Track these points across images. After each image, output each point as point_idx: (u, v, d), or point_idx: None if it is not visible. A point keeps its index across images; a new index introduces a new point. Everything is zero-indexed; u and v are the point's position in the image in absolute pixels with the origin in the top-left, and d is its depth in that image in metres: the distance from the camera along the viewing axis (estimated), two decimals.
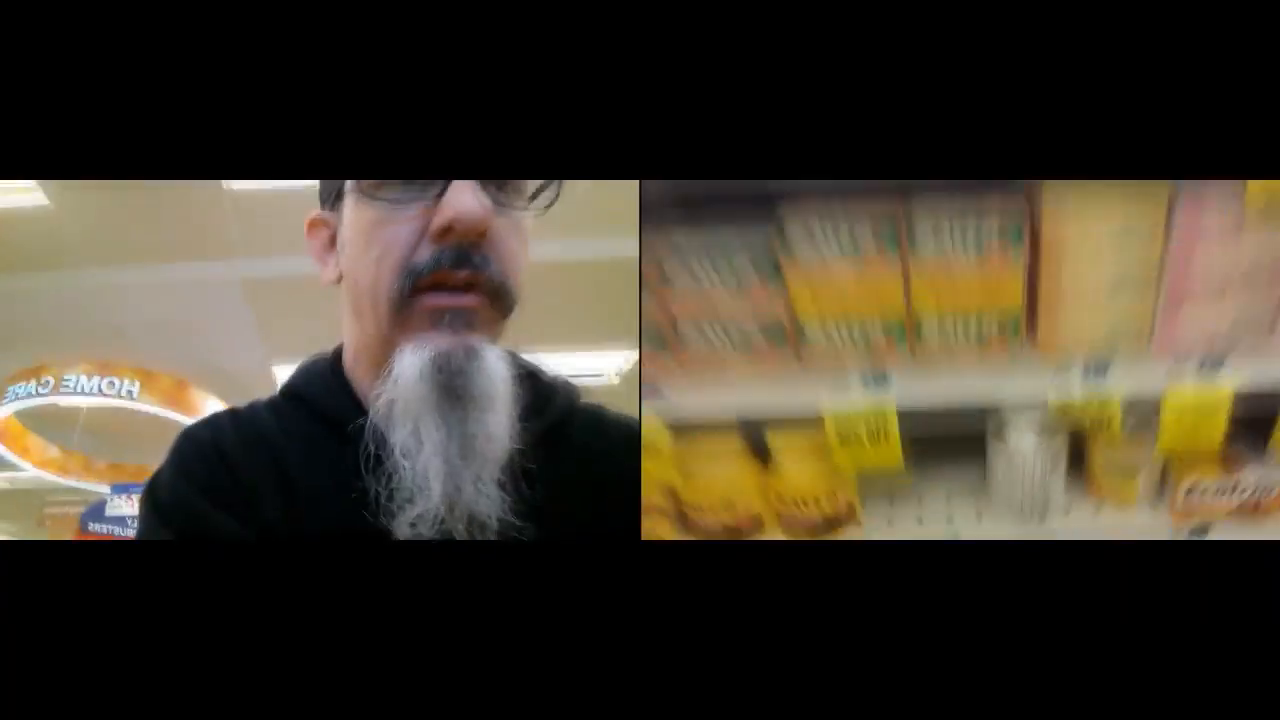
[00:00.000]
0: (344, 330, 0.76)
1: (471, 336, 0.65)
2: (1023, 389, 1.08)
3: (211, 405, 5.79)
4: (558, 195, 0.70)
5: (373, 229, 0.67)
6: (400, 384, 0.64)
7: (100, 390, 5.38)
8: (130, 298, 4.89)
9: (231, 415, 0.74)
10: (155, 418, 5.61)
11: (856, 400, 1.09)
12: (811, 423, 1.14)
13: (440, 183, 0.65)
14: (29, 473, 6.20)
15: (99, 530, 3.97)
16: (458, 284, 0.65)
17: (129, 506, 3.98)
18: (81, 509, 5.16)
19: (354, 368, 0.74)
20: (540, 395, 0.73)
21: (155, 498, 0.68)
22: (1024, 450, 1.21)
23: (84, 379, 5.41)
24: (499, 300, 0.67)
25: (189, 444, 0.71)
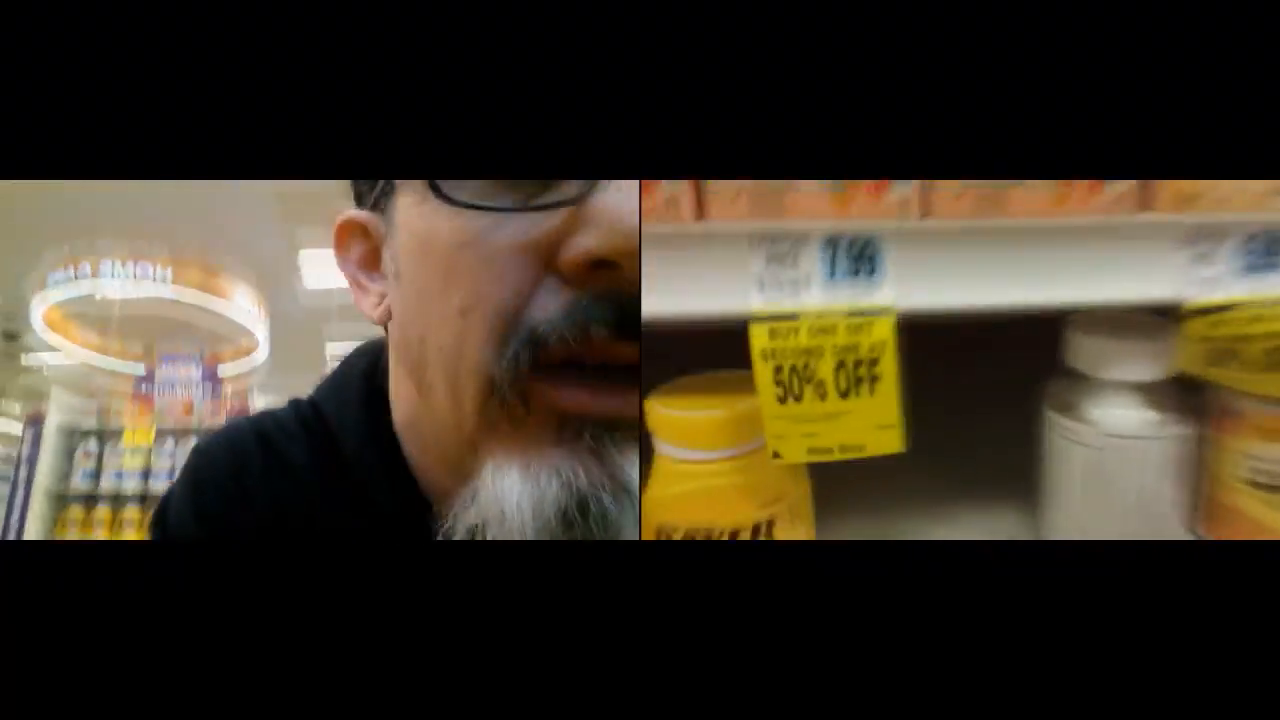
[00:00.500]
0: (394, 378, 0.51)
1: (625, 458, 0.40)
2: (1129, 283, 0.57)
3: (241, 292, 5.76)
4: None
5: (454, 255, 0.39)
6: (498, 514, 0.39)
7: (135, 276, 5.57)
8: (162, 191, 4.98)
9: (258, 437, 0.54)
10: (184, 312, 5.69)
11: (815, 302, 0.58)
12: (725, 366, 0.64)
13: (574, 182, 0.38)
14: (72, 359, 6.46)
15: (149, 391, 4.21)
16: (613, 362, 0.38)
17: (175, 372, 4.28)
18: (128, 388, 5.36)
19: (407, 432, 0.50)
20: None
21: (165, 529, 0.54)
22: (1123, 436, 0.64)
23: (119, 265, 5.56)
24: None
25: (207, 468, 0.54)
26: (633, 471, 0.41)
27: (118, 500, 3.72)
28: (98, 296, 5.60)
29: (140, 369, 6.00)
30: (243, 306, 5.92)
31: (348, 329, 6.99)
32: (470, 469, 0.42)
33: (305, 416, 0.55)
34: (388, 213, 0.46)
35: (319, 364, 7.58)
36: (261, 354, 6.63)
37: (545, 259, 0.39)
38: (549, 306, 0.39)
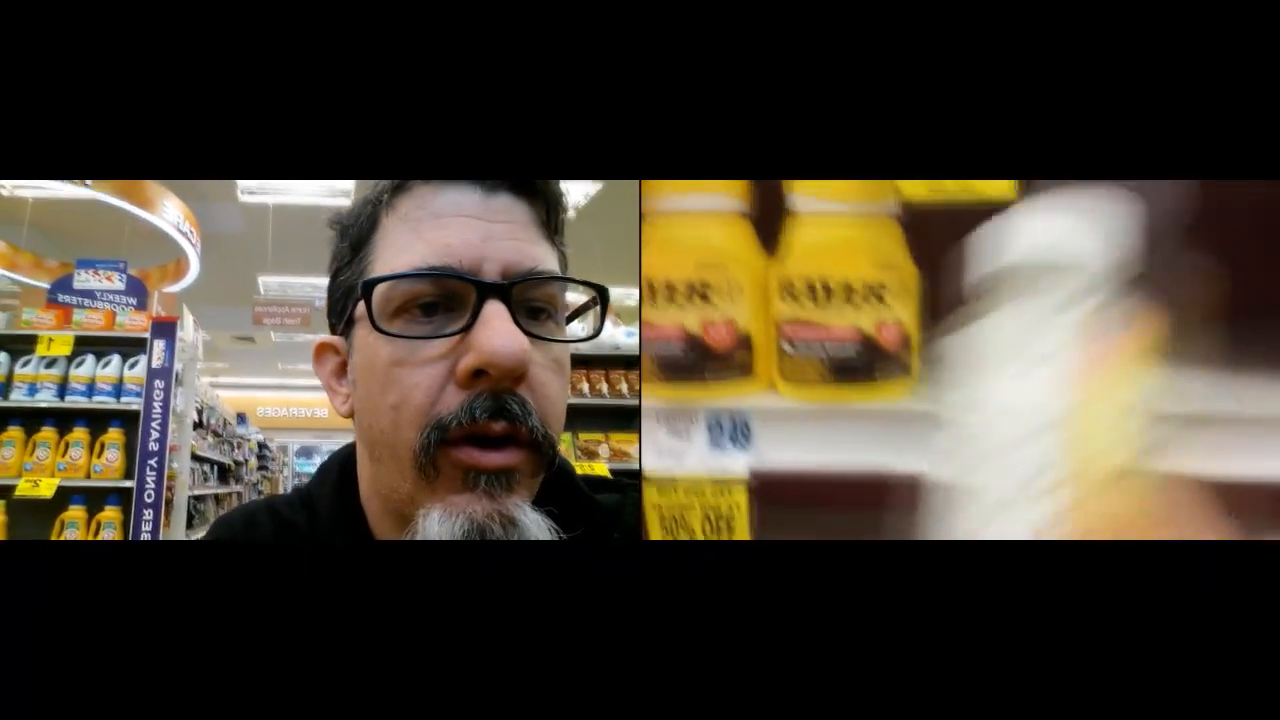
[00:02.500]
0: (358, 455, 0.69)
1: (510, 500, 0.58)
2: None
3: (166, 200, 5.26)
4: (602, 323, 0.65)
5: (389, 369, 0.59)
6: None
7: None
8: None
9: (268, 508, 0.73)
10: (105, 216, 5.14)
11: None
12: None
13: (467, 313, 0.58)
14: None
15: (68, 301, 3.68)
16: (493, 436, 0.57)
17: (95, 280, 3.78)
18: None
19: (369, 501, 0.67)
20: (589, 529, 0.65)
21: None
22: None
23: None
24: (540, 453, 0.60)
25: (226, 532, 0.72)
26: (521, 509, 0.58)
27: (31, 418, 3.30)
28: (4, 192, 5.02)
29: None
30: (172, 220, 5.42)
31: (282, 260, 6.53)
32: (410, 516, 0.59)
33: (303, 494, 0.73)
34: (350, 338, 0.64)
35: (251, 291, 7.09)
36: (192, 274, 6.13)
37: (447, 371, 0.58)
38: (450, 403, 0.57)
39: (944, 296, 0.70)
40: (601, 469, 3.26)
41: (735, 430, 0.78)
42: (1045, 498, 0.45)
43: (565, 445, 3.35)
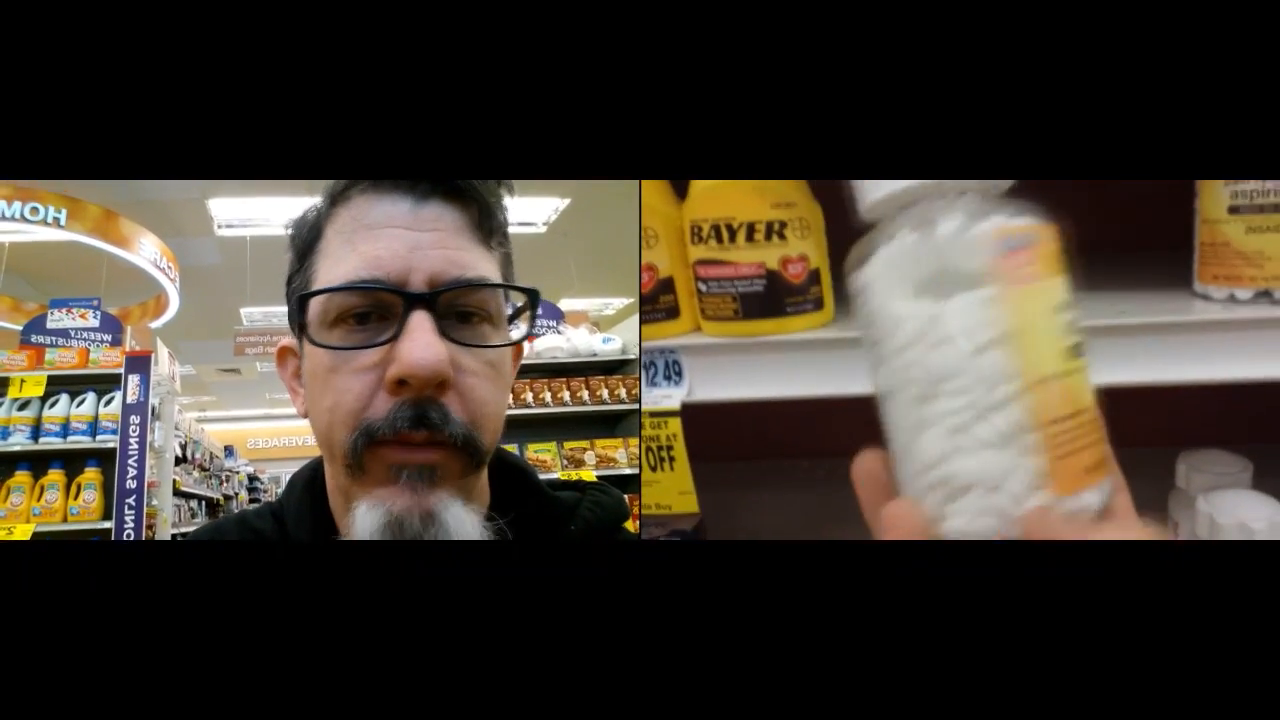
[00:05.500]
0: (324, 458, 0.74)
1: (432, 496, 0.61)
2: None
3: (143, 238, 5.24)
4: (532, 324, 0.68)
5: (326, 375, 0.62)
6: (356, 534, 0.62)
7: (24, 216, 4.87)
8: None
9: (238, 520, 0.76)
10: (83, 257, 5.11)
11: None
12: None
13: (394, 325, 0.60)
14: None
15: (41, 341, 3.66)
16: (417, 442, 0.60)
17: (69, 319, 3.76)
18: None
19: (334, 497, 0.70)
20: (533, 524, 0.70)
21: None
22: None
23: (4, 205, 4.77)
24: (466, 453, 0.62)
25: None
26: (443, 504, 0.60)
27: (5, 462, 3.26)
28: None
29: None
30: (150, 257, 5.38)
31: (262, 291, 6.51)
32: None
33: (273, 505, 0.76)
34: (301, 342, 0.67)
35: (233, 323, 7.05)
36: (173, 309, 6.09)
37: (377, 379, 0.61)
38: (380, 408, 0.60)
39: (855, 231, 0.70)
40: (589, 477, 3.23)
41: (668, 368, 0.85)
42: (1005, 408, 0.43)
43: (551, 455, 3.31)
